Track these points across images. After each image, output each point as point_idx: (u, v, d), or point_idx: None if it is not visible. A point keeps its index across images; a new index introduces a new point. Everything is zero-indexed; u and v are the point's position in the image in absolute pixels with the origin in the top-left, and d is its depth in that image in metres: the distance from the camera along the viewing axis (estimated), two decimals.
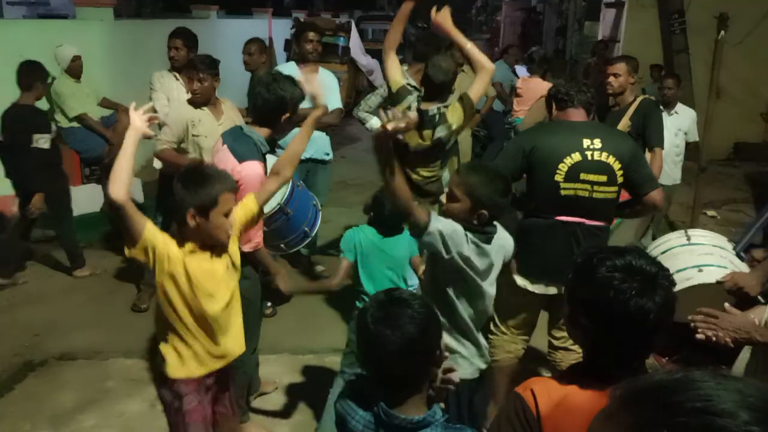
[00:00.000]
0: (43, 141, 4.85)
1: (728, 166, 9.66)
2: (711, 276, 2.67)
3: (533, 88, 6.50)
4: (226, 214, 2.28)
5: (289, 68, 4.86)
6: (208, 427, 2.51)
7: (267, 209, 3.05)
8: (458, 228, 2.29)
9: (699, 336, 2.10)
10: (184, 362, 2.41)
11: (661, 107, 5.53)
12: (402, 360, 1.55)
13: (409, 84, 3.98)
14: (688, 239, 3.05)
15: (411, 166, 3.82)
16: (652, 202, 3.04)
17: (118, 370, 4.00)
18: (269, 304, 4.56)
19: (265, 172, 2.91)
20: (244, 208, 2.50)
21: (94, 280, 5.24)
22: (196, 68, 3.98)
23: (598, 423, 0.82)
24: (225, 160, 2.87)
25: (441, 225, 2.25)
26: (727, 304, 2.16)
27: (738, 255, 2.98)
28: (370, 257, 3.10)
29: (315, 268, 5.37)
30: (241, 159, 2.85)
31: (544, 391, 1.44)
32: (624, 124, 4.27)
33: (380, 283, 3.06)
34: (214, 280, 2.36)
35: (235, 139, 2.97)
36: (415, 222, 2.26)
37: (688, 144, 5.76)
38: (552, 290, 3.10)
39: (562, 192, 2.96)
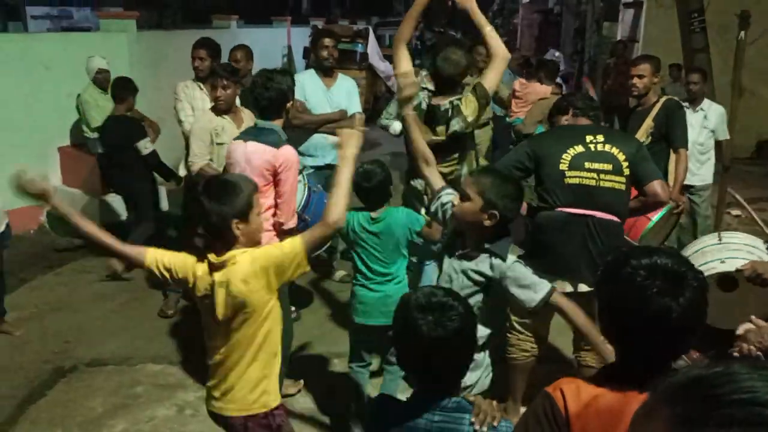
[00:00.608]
0: (148, 145, 5.31)
1: (751, 165, 9.55)
2: (732, 266, 2.68)
3: (531, 91, 6.70)
4: (258, 213, 2.32)
5: (309, 76, 4.91)
6: None
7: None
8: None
9: (732, 351, 2.10)
10: (277, 385, 2.38)
11: (687, 104, 5.37)
12: (448, 356, 1.63)
13: (423, 86, 3.93)
14: (720, 240, 3.06)
15: None
16: (653, 191, 3.04)
17: (147, 375, 4.06)
18: (293, 308, 4.60)
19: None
20: (289, 249, 2.23)
21: (121, 287, 5.31)
22: (220, 75, 4.06)
23: (639, 421, 0.82)
24: (261, 151, 3.16)
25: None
26: (753, 317, 2.16)
27: None
28: (361, 240, 3.19)
29: (336, 273, 5.40)
30: (276, 146, 3.16)
31: (573, 391, 1.44)
32: (647, 124, 4.26)
33: (372, 264, 3.19)
34: None
35: (260, 134, 3.25)
36: None
37: (717, 143, 5.44)
38: (568, 288, 3.10)
39: (568, 180, 3.01)
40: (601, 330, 1.59)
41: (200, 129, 4.14)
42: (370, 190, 3.11)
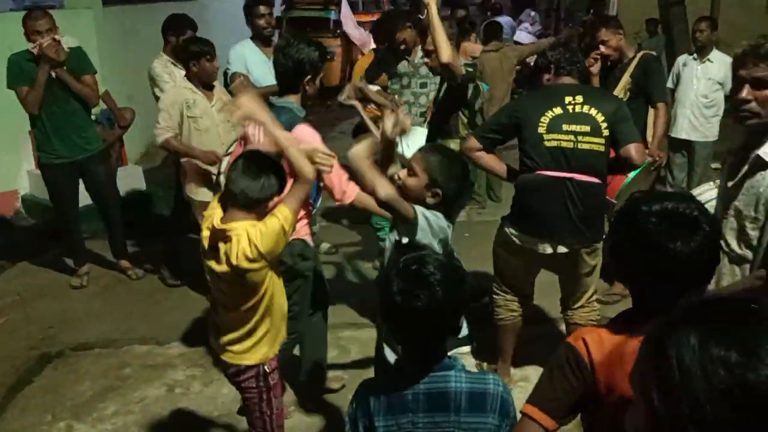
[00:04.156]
0: None
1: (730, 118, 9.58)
2: None
3: (470, 52, 6.56)
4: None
5: (248, 47, 4.68)
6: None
7: None
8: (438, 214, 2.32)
9: None
10: (271, 344, 2.50)
11: (694, 55, 5.34)
12: (435, 324, 1.60)
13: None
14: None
15: None
16: (627, 155, 3.04)
17: (135, 357, 4.05)
18: None
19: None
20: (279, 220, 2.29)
21: (102, 272, 5.22)
22: (201, 51, 4.09)
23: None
24: None
25: (425, 211, 2.28)
26: None
27: None
28: None
29: (321, 245, 5.37)
30: (290, 127, 2.73)
31: (595, 340, 1.46)
32: (625, 81, 4.22)
33: None
34: None
35: (274, 113, 2.86)
36: (404, 217, 2.27)
37: (727, 97, 5.18)
38: (549, 249, 3.13)
39: (546, 143, 3.03)
40: (620, 278, 1.62)
41: (169, 103, 4.11)
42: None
